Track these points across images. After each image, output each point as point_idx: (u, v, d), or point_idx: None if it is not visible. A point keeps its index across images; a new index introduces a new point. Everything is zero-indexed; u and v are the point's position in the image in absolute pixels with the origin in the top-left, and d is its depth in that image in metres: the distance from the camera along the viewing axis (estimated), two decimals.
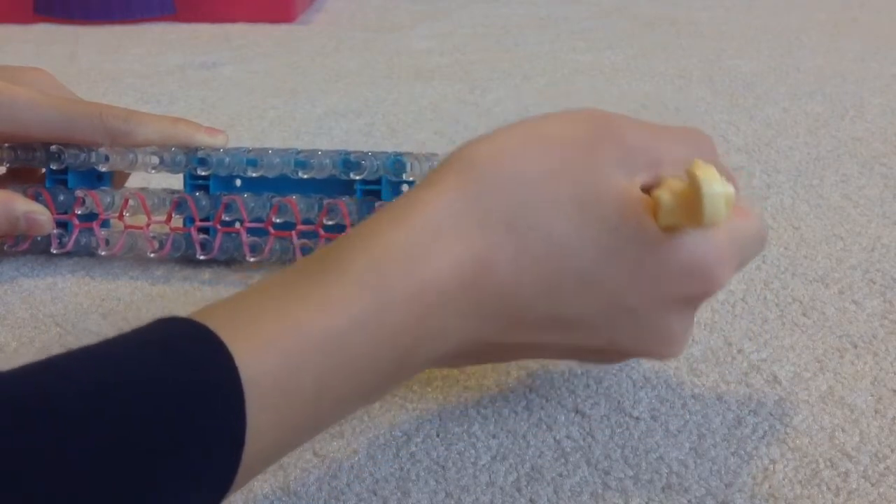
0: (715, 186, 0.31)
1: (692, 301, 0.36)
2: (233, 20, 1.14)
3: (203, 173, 0.52)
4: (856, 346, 0.46)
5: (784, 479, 0.37)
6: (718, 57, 0.97)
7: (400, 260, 0.32)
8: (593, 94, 0.85)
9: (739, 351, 0.45)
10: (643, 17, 1.16)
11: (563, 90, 0.86)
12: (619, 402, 0.41)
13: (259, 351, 0.30)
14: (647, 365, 0.44)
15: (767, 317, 0.48)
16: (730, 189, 0.32)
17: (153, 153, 0.52)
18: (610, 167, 0.35)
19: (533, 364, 0.44)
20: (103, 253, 0.53)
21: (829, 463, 0.38)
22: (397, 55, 0.99)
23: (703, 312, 0.48)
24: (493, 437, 0.39)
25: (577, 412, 0.40)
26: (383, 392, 0.35)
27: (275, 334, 0.30)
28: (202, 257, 0.52)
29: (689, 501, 0.35)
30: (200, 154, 0.52)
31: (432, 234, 0.33)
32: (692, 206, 0.32)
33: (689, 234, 0.34)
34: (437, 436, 0.39)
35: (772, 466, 0.37)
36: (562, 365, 0.44)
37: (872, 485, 0.36)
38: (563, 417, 0.40)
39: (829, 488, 0.36)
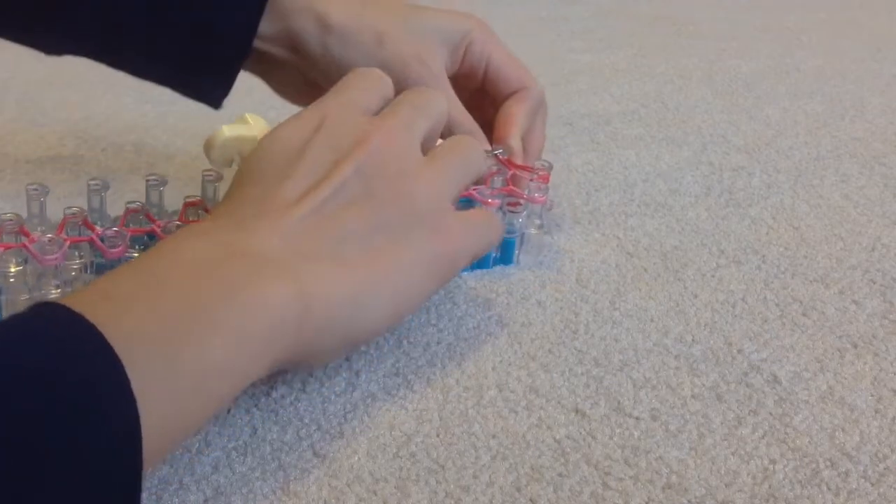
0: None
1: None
2: None
3: None
4: (856, 346, 0.46)
5: (784, 479, 0.37)
6: (718, 57, 0.97)
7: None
8: (593, 94, 0.85)
9: (739, 351, 0.45)
10: (643, 17, 1.16)
11: (563, 90, 0.86)
12: (619, 402, 0.41)
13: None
14: (647, 365, 0.44)
15: (767, 317, 0.48)
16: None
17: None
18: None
19: (533, 364, 0.44)
20: None
21: (829, 463, 0.38)
22: None
23: (704, 312, 0.48)
24: (493, 437, 0.39)
25: (577, 412, 0.40)
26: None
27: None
28: None
29: (689, 501, 0.35)
30: None
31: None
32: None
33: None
34: (437, 436, 0.39)
35: (772, 466, 0.37)
36: (562, 365, 0.44)
37: (872, 485, 0.36)
38: (563, 417, 0.40)
39: (829, 488, 0.36)
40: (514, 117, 0.53)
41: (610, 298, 0.49)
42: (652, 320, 0.47)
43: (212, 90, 0.53)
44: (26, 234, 0.44)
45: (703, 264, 0.53)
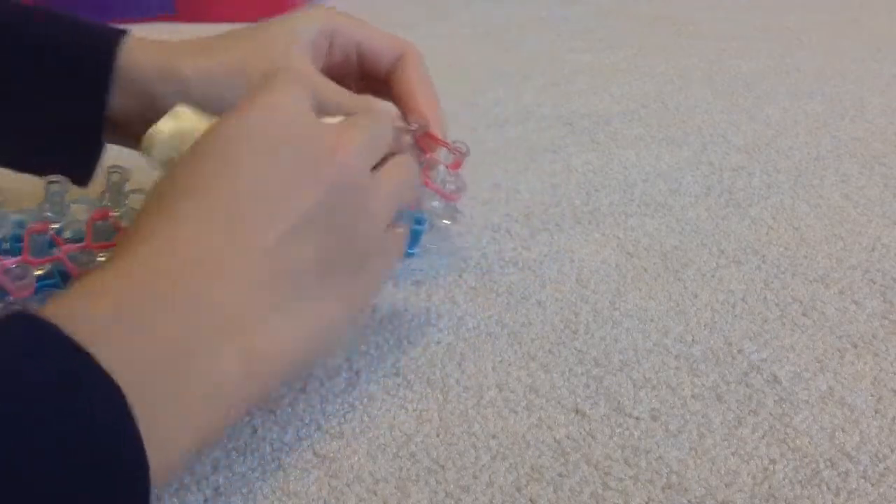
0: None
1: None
2: (233, 20, 1.13)
3: None
4: (856, 346, 0.46)
5: (784, 479, 0.37)
6: (718, 57, 0.97)
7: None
8: (593, 94, 0.85)
9: (739, 351, 0.45)
10: (643, 17, 1.16)
11: (563, 90, 0.86)
12: (619, 402, 0.41)
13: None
14: (647, 365, 0.44)
15: (767, 317, 0.48)
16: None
17: None
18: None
19: (533, 364, 0.44)
20: None
21: (829, 463, 0.38)
22: None
23: (704, 312, 0.48)
24: (493, 437, 0.39)
25: (577, 412, 0.40)
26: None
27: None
28: None
29: (689, 501, 0.35)
30: None
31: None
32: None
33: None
34: (437, 436, 0.39)
35: (772, 466, 0.37)
36: (562, 365, 0.44)
37: (872, 485, 0.36)
38: (563, 417, 0.40)
39: (829, 488, 0.36)
40: (412, 83, 0.51)
41: (610, 298, 0.49)
42: (652, 320, 0.47)
43: (73, 172, 0.51)
44: None
45: (703, 264, 0.53)
